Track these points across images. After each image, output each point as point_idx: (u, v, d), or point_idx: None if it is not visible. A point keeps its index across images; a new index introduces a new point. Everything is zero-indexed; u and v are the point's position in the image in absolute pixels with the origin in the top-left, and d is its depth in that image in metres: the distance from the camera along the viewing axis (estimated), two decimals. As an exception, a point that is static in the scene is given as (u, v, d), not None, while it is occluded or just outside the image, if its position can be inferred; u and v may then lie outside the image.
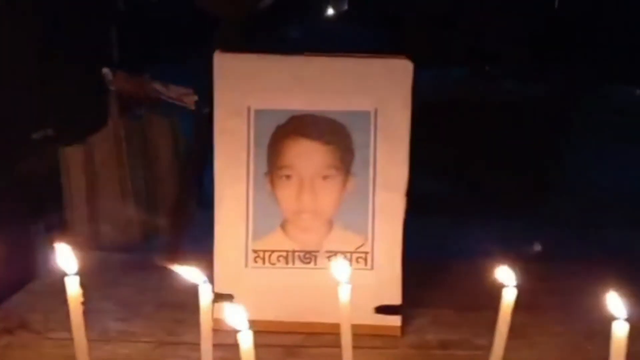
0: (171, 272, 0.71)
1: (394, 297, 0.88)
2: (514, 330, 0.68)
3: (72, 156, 1.32)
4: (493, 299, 0.68)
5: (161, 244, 1.26)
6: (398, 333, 0.88)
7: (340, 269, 0.68)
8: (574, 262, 1.14)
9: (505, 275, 0.67)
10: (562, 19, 2.54)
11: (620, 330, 0.55)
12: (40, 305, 0.93)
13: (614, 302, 0.57)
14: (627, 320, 0.55)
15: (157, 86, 1.36)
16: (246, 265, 0.87)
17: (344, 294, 0.67)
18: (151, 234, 1.38)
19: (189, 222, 1.31)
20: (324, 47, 0.89)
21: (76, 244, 0.69)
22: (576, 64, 2.44)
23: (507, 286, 0.67)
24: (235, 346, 0.56)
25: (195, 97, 1.30)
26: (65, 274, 0.65)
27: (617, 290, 0.58)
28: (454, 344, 0.85)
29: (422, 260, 0.98)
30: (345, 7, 2.99)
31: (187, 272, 0.66)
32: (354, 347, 0.67)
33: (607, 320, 0.56)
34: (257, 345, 0.55)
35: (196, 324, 0.65)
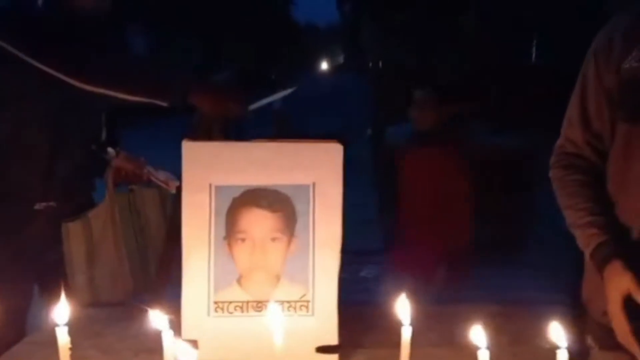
0: (148, 320, 0.89)
1: (332, 338, 1.06)
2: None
3: (74, 230, 1.52)
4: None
5: (148, 298, 1.44)
6: (337, 368, 1.05)
7: (275, 316, 0.86)
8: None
9: (403, 315, 0.85)
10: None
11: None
12: (39, 354, 1.09)
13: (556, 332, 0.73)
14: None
15: (151, 169, 1.59)
16: (208, 314, 1.05)
17: (278, 337, 0.85)
18: (141, 290, 1.57)
19: (173, 279, 1.50)
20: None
21: (75, 302, 0.88)
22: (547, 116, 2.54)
23: (404, 325, 0.85)
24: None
25: (177, 183, 1.52)
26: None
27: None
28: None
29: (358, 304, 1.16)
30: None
31: (154, 318, 0.85)
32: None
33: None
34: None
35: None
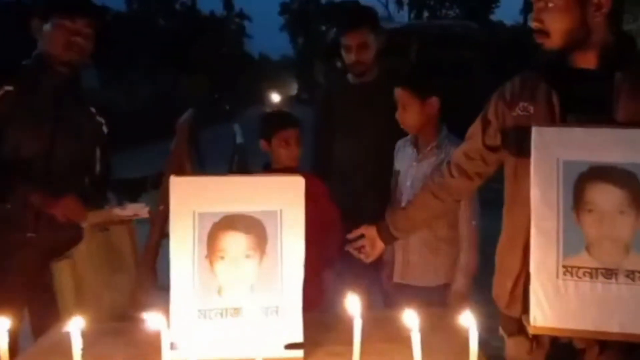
0: (136, 332, 1.06)
1: (298, 337, 1.27)
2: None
3: (61, 268, 1.70)
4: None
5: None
6: (302, 360, 1.26)
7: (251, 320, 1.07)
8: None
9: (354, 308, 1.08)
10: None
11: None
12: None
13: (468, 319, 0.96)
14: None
15: (118, 211, 1.83)
16: (196, 321, 1.25)
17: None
18: (121, 311, 1.76)
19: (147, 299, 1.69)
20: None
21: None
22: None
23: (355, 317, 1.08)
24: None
25: (147, 208, 1.76)
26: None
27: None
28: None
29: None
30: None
31: (153, 319, 1.04)
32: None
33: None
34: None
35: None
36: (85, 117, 1.90)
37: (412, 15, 25.19)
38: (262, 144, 1.98)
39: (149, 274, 1.84)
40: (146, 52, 19.52)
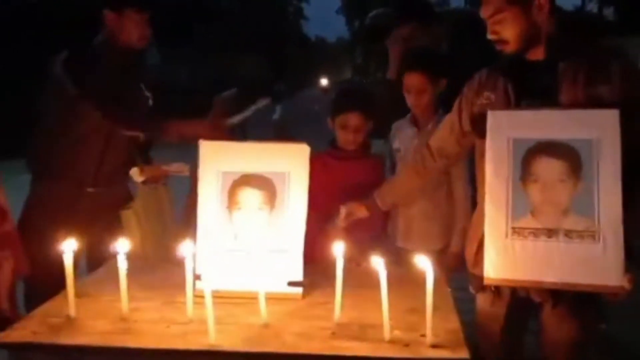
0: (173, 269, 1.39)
1: (298, 276, 1.57)
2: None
3: (128, 216, 2.11)
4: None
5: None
6: (300, 297, 1.56)
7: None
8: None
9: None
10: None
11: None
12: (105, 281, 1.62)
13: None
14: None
15: (165, 167, 2.18)
16: (216, 259, 1.57)
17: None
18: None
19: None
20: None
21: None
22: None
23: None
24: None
25: (187, 167, 2.11)
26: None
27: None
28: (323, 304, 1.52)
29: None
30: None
31: (184, 249, 1.37)
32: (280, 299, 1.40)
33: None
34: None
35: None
36: (138, 92, 2.24)
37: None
38: (328, 121, 2.12)
39: (187, 229, 2.20)
40: (207, 33, 20.19)
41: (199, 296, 1.39)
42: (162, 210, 2.26)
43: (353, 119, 2.02)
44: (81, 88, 2.01)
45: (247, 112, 2.19)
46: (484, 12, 1.46)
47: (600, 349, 2.76)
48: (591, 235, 1.34)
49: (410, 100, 2.05)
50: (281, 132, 3.18)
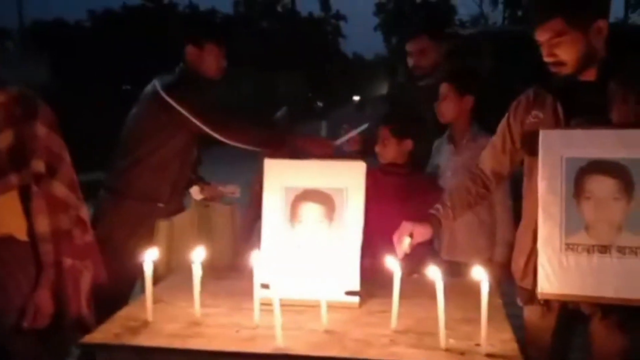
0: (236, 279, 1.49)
1: (355, 286, 1.66)
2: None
3: (161, 227, 2.20)
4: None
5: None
6: (357, 306, 1.64)
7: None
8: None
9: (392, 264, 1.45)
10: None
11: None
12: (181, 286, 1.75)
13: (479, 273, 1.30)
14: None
15: (221, 188, 2.32)
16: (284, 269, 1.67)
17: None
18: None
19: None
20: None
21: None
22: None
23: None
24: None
25: (238, 189, 2.22)
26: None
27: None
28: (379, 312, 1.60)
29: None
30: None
31: (254, 258, 1.48)
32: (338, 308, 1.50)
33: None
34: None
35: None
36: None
37: (506, 15, 24.40)
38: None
39: (245, 246, 2.32)
40: (249, 51, 20.76)
41: (264, 304, 1.50)
42: (214, 232, 2.35)
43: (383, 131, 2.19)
44: (201, 114, 2.15)
45: (352, 133, 2.31)
46: (541, 36, 1.51)
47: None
48: (644, 251, 1.39)
49: (437, 108, 2.24)
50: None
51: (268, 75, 19.48)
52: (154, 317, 1.56)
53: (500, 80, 2.66)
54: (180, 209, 2.38)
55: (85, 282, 1.76)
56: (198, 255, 1.54)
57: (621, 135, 1.44)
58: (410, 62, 2.51)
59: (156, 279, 1.63)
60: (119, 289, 2.07)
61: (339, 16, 38.39)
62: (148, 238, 2.17)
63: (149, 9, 22.41)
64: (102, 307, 1.72)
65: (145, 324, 1.54)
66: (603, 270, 1.41)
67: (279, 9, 31.42)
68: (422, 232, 1.68)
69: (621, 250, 1.41)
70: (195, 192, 2.40)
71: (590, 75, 1.53)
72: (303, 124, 3.42)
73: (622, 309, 1.48)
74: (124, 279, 2.11)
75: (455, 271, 2.12)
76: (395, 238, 1.57)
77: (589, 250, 1.43)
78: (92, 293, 1.81)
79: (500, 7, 25.40)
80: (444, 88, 2.24)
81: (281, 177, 1.72)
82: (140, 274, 1.54)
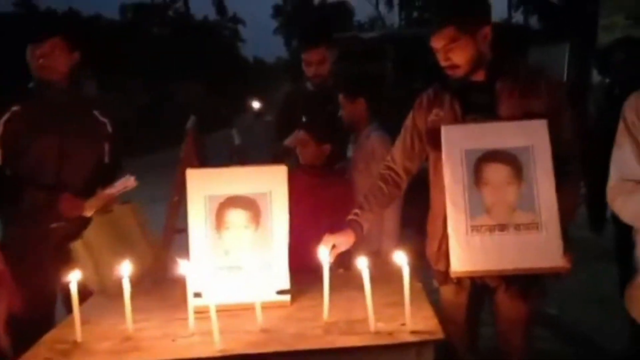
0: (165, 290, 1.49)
1: (285, 285, 1.73)
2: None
3: (77, 247, 2.03)
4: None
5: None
6: (289, 304, 1.72)
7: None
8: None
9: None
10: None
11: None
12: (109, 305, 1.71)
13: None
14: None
15: (108, 190, 2.11)
16: (215, 276, 1.71)
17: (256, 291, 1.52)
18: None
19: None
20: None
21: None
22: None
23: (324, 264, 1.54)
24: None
25: (133, 178, 2.12)
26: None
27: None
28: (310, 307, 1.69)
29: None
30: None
31: (184, 266, 1.50)
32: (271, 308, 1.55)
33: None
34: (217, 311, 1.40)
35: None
36: (89, 119, 2.24)
37: (403, 17, 25.69)
38: None
39: (166, 251, 2.29)
40: (141, 60, 19.98)
41: (197, 312, 1.53)
42: (126, 235, 2.18)
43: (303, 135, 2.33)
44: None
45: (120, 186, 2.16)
46: (437, 43, 1.68)
47: (554, 334, 3.10)
48: (535, 226, 1.60)
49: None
50: (242, 156, 3.29)
51: (163, 84, 18.87)
52: (83, 338, 1.53)
53: (401, 80, 2.87)
54: (88, 223, 2.23)
55: (1, 310, 1.68)
56: (124, 270, 1.53)
57: (509, 127, 1.64)
58: (310, 71, 2.63)
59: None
60: (37, 314, 1.96)
61: (237, 20, 38.08)
62: (63, 259, 2.08)
63: (21, 15, 20.75)
64: (20, 334, 1.64)
65: (75, 344, 1.51)
66: (503, 246, 1.61)
67: (171, 13, 30.52)
68: (344, 241, 1.78)
69: (517, 227, 1.61)
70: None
71: (480, 76, 1.72)
72: (209, 133, 3.41)
73: (522, 279, 1.70)
74: (41, 304, 2.01)
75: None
76: (319, 251, 1.64)
77: (491, 229, 1.62)
78: (9, 321, 1.73)
79: (396, 9, 26.64)
80: (339, 97, 2.45)
81: (204, 186, 1.75)
82: (63, 296, 1.50)
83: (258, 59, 41.81)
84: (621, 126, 1.48)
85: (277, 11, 39.78)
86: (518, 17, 19.66)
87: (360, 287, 1.51)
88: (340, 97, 2.45)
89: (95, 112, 2.29)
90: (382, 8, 26.49)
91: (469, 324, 1.86)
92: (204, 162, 2.70)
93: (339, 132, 2.47)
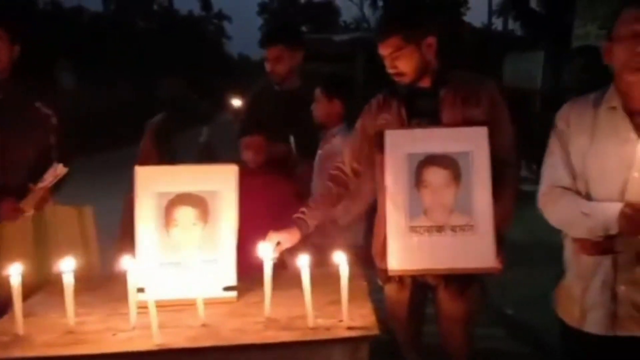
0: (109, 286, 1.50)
1: (232, 281, 1.77)
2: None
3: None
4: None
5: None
6: (235, 300, 1.75)
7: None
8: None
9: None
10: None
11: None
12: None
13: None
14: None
15: (40, 185, 2.02)
16: (157, 271, 1.73)
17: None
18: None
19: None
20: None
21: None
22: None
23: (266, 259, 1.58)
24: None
25: (60, 165, 2.04)
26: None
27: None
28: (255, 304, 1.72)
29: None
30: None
31: (126, 263, 1.53)
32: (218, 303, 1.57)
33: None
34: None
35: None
36: (31, 112, 2.15)
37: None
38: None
39: (125, 248, 2.28)
40: (124, 53, 19.79)
41: (141, 307, 1.56)
42: (56, 237, 2.16)
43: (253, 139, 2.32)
44: None
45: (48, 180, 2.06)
46: (384, 51, 1.75)
47: (509, 333, 3.18)
48: (470, 228, 1.66)
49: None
50: (208, 154, 3.30)
51: (147, 79, 18.69)
52: (25, 331, 1.54)
53: (371, 83, 2.92)
54: None
55: None
56: (69, 264, 1.55)
57: (450, 133, 1.70)
58: (268, 67, 2.67)
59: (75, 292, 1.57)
60: None
61: (222, 16, 37.88)
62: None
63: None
64: None
65: (17, 338, 1.52)
66: (440, 246, 1.67)
67: (155, 7, 30.21)
68: (289, 238, 1.83)
69: (453, 229, 1.67)
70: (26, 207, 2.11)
71: (426, 83, 1.79)
72: (191, 129, 3.42)
73: (461, 278, 1.76)
74: None
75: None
76: (259, 247, 1.68)
77: (429, 230, 1.68)
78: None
79: (381, 10, 26.66)
80: (316, 92, 2.46)
81: (153, 183, 1.78)
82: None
83: (243, 55, 41.64)
84: (552, 134, 1.55)
85: (263, 8, 39.69)
86: (498, 23, 19.93)
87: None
88: (318, 91, 2.44)
89: (38, 104, 2.19)
90: (367, 9, 26.57)
91: (412, 321, 1.92)
92: (169, 158, 2.71)
93: (300, 132, 2.50)
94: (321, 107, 2.45)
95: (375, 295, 1.77)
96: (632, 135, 1.40)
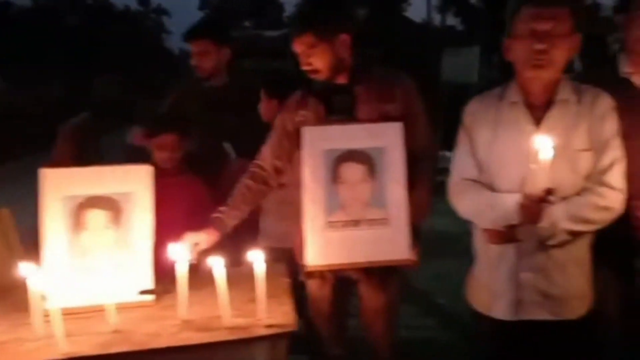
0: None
1: (148, 285, 1.72)
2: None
3: None
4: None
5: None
6: (153, 303, 1.70)
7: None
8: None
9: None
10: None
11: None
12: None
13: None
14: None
15: None
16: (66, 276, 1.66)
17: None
18: None
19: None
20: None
21: None
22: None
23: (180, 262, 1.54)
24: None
25: None
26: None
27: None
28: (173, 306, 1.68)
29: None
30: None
31: (26, 269, 1.45)
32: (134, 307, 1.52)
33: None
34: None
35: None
36: None
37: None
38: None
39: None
40: (56, 51, 18.91)
41: (48, 315, 1.48)
42: None
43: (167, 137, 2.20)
44: None
45: None
46: (297, 47, 1.75)
47: (441, 323, 3.26)
48: (385, 222, 1.69)
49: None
50: (135, 156, 3.17)
51: (81, 77, 17.90)
52: None
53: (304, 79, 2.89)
54: None
55: None
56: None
57: (367, 129, 1.73)
58: (193, 62, 2.60)
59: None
60: None
61: (161, 10, 36.85)
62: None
63: None
64: None
65: None
66: (356, 240, 1.69)
67: (89, 1, 28.97)
68: (205, 239, 1.80)
69: (369, 222, 1.70)
70: None
71: (343, 80, 1.80)
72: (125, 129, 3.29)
73: (382, 271, 1.79)
74: None
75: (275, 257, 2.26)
76: (171, 248, 1.65)
77: (346, 225, 1.70)
78: None
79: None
80: (261, 92, 2.41)
81: (60, 186, 1.70)
82: None
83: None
84: (460, 129, 1.60)
85: (205, 3, 38.94)
86: (437, 18, 20.42)
87: (232, 284, 1.54)
88: (261, 92, 2.40)
89: None
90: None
91: (335, 316, 1.94)
92: (88, 160, 2.59)
93: (231, 129, 2.45)
94: (263, 106, 2.41)
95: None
96: (531, 128, 1.46)
